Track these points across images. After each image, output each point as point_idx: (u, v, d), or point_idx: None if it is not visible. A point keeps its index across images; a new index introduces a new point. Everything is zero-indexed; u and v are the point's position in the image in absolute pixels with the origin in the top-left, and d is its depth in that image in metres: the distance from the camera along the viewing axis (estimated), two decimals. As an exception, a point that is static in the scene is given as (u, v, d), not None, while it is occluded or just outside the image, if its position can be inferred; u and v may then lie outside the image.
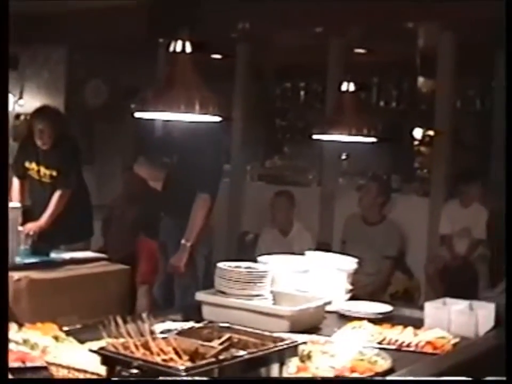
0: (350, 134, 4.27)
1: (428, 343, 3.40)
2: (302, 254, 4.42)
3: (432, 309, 3.79)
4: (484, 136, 8.92)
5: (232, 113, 8.26)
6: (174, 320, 3.52)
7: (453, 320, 3.69)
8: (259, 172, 8.77)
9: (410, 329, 3.57)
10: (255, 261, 4.07)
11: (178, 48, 3.05)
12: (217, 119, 3.09)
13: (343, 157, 9.22)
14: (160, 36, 6.25)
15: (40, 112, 6.15)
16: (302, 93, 10.15)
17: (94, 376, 2.53)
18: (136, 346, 2.46)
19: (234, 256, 6.91)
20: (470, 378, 2.98)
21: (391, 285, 6.69)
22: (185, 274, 5.58)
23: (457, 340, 3.50)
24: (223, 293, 3.68)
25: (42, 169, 6.00)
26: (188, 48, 3.06)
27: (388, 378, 2.89)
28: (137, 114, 3.06)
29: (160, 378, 2.29)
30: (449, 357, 3.30)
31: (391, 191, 7.30)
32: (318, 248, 5.72)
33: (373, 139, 4.41)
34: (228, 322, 2.95)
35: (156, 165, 5.77)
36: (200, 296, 3.75)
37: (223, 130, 5.90)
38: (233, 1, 6.68)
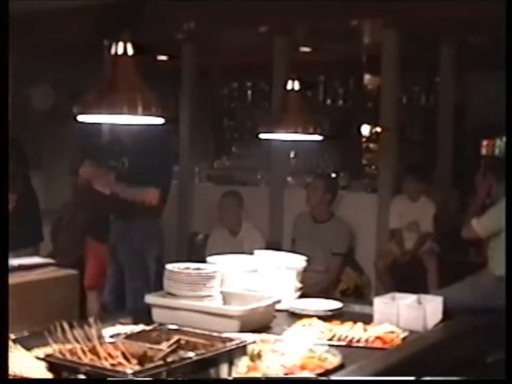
0: (296, 133, 4.27)
1: (377, 338, 3.42)
2: (252, 253, 4.42)
3: (381, 304, 3.82)
4: (429, 131, 9.03)
5: (179, 114, 8.24)
6: (123, 324, 3.49)
7: (401, 314, 3.72)
8: (207, 173, 8.76)
9: (360, 325, 3.59)
10: (206, 262, 4.07)
11: (120, 51, 3.02)
12: (161, 120, 3.07)
13: (292, 155, 9.26)
14: (104, 38, 6.20)
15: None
16: (249, 92, 10.18)
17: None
18: (83, 351, 2.44)
19: (185, 258, 6.90)
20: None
21: (342, 282, 6.72)
22: (136, 277, 5.57)
23: (406, 334, 3.53)
24: (172, 294, 3.66)
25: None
26: (130, 50, 3.03)
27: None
28: (80, 118, 3.03)
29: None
30: (398, 351, 3.33)
31: (339, 188, 7.33)
32: (268, 247, 5.74)
33: (319, 137, 4.41)
34: (177, 324, 2.94)
35: (102, 168, 5.73)
36: (150, 298, 3.73)
37: (170, 132, 5.91)
38: (178, 2, 6.66)
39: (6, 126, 2.86)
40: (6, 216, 2.72)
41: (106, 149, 5.83)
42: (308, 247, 6.39)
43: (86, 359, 2.40)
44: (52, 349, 2.53)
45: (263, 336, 3.30)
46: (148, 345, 2.55)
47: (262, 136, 4.45)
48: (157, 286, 4.24)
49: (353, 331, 3.50)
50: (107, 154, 5.77)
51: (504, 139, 9.10)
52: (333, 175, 8.23)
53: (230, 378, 2.58)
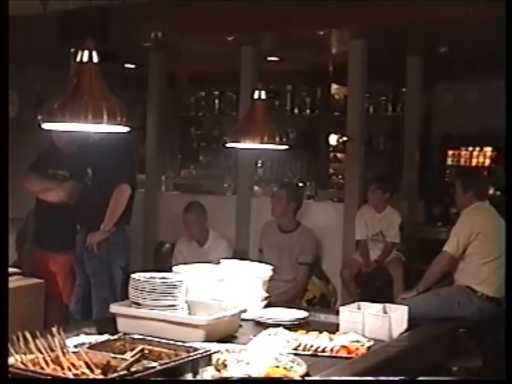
0: (262, 142, 4.27)
1: (343, 347, 3.43)
2: (218, 263, 4.42)
3: (346, 313, 3.83)
4: (395, 141, 9.08)
5: (146, 123, 8.21)
6: (88, 334, 3.47)
7: (367, 323, 3.74)
8: (174, 182, 8.73)
9: (325, 334, 3.60)
10: (172, 271, 4.06)
11: (85, 58, 3.01)
12: (126, 129, 3.06)
13: (259, 164, 9.27)
14: (70, 46, 6.18)
15: None
16: (216, 101, 10.18)
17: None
18: (46, 362, 2.41)
19: (151, 267, 6.90)
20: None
21: (308, 291, 6.72)
22: (103, 287, 5.56)
23: (371, 343, 3.55)
24: (137, 304, 3.65)
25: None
26: (95, 58, 3.02)
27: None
28: (44, 126, 3.01)
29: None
30: (363, 360, 3.34)
31: (305, 197, 7.34)
32: (234, 257, 5.74)
33: (285, 146, 4.43)
34: (142, 334, 2.93)
35: (49, 179, 5.77)
36: (114, 308, 3.71)
37: (136, 140, 5.91)
38: (145, 10, 6.65)
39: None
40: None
41: (66, 158, 5.83)
42: (274, 257, 6.40)
43: (48, 369, 2.38)
44: (14, 359, 2.50)
45: (228, 345, 3.29)
46: (112, 355, 2.54)
47: (229, 145, 4.45)
48: (123, 295, 4.23)
49: (319, 340, 3.51)
50: (50, 163, 5.81)
51: (470, 149, 9.20)
52: (300, 184, 8.24)
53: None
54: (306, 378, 2.95)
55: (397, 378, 2.96)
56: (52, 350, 2.49)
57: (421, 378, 3.14)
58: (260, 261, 4.99)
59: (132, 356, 2.52)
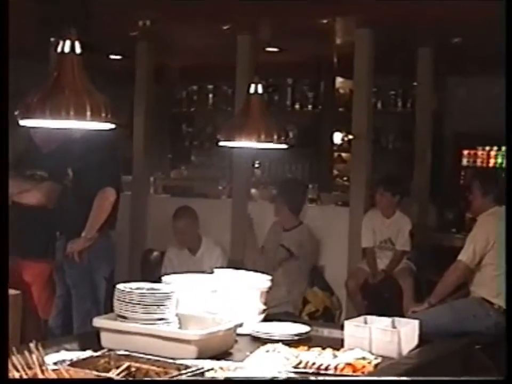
0: (259, 140, 4.27)
1: (348, 365, 3.43)
2: (212, 272, 4.42)
3: (352, 328, 3.83)
4: (405, 139, 9.10)
5: (133, 119, 8.22)
6: (69, 350, 3.46)
7: (374, 339, 3.74)
8: (164, 183, 8.74)
9: (329, 350, 3.60)
10: (161, 282, 4.06)
11: (67, 49, 3.00)
12: (111, 126, 3.06)
13: (256, 165, 9.28)
14: (51, 35, 6.18)
15: None
16: (210, 96, 10.19)
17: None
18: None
19: (139, 277, 6.89)
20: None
21: (310, 303, 6.73)
22: (85, 299, 5.55)
23: (379, 360, 3.54)
24: (123, 317, 3.64)
25: None
26: (78, 49, 3.02)
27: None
28: (23, 122, 3.01)
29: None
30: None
31: (307, 201, 7.36)
32: (230, 266, 5.74)
33: (285, 145, 4.42)
34: (129, 350, 2.93)
35: (22, 179, 5.77)
36: (98, 322, 3.71)
37: (123, 138, 5.91)
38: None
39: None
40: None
41: (45, 157, 5.83)
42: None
43: (26, 388, 2.38)
44: (-11, 377, 2.51)
45: (223, 363, 3.29)
46: (95, 372, 2.54)
47: (223, 143, 4.45)
48: (108, 308, 4.23)
49: (322, 357, 3.50)
50: (44, 163, 5.80)
51: (487, 148, 9.21)
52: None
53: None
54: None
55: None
56: (30, 368, 2.49)
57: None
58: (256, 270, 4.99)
59: (118, 374, 2.52)
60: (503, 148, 9.03)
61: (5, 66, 2.77)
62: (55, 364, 2.82)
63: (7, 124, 2.96)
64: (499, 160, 9.13)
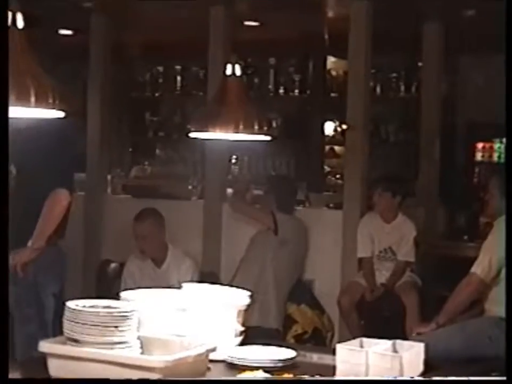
0: (237, 131, 4.28)
1: (340, 396, 3.45)
2: (180, 287, 4.43)
3: (345, 352, 3.84)
4: (409, 130, 9.13)
5: (86, 106, 8.20)
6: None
7: (371, 365, 3.75)
8: (123, 182, 8.73)
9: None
10: (118, 299, 4.06)
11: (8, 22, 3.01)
12: (61, 114, 3.07)
13: (233, 160, 9.29)
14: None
15: None
16: (178, 78, 10.19)
17: None
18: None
19: (93, 293, 6.88)
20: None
21: (297, 324, 6.75)
22: (29, 319, 5.54)
23: (377, 390, 3.57)
24: (75, 341, 3.64)
25: None
26: (20, 22, 3.02)
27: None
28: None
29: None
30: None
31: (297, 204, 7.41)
32: (201, 280, 5.75)
33: (267, 137, 4.44)
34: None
35: None
36: (45, 346, 3.70)
37: (73, 128, 5.89)
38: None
39: (6, 126, 2.86)
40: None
41: None
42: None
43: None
44: None
45: (193, 394, 3.31)
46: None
47: (194, 135, 4.46)
48: (57, 330, 4.23)
49: (310, 387, 3.52)
50: None
51: (505, 141, 9.25)
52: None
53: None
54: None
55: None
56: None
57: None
58: (233, 285, 5.00)
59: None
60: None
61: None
62: (-7, 396, 2.82)
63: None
64: (519, 155, 9.17)
